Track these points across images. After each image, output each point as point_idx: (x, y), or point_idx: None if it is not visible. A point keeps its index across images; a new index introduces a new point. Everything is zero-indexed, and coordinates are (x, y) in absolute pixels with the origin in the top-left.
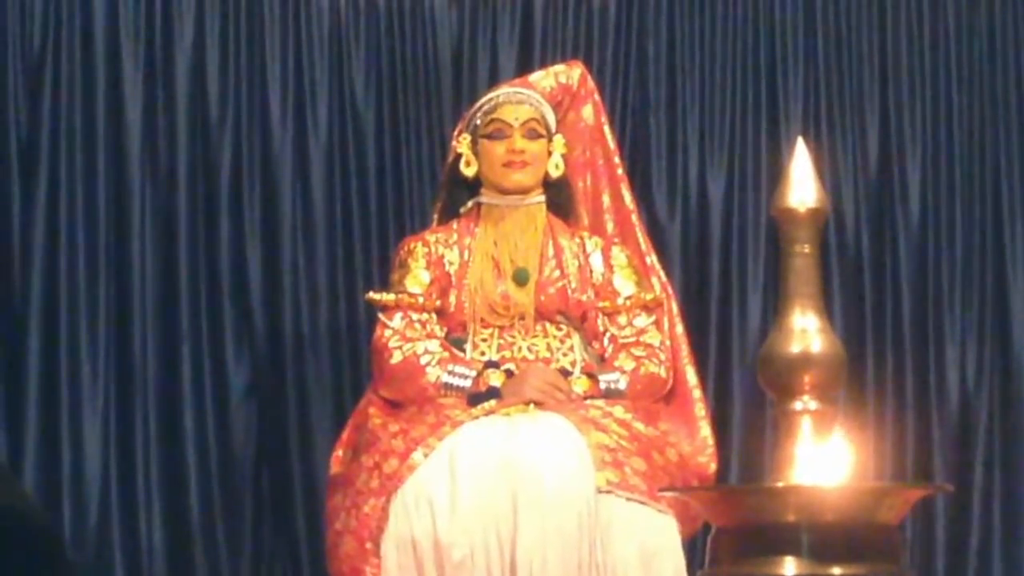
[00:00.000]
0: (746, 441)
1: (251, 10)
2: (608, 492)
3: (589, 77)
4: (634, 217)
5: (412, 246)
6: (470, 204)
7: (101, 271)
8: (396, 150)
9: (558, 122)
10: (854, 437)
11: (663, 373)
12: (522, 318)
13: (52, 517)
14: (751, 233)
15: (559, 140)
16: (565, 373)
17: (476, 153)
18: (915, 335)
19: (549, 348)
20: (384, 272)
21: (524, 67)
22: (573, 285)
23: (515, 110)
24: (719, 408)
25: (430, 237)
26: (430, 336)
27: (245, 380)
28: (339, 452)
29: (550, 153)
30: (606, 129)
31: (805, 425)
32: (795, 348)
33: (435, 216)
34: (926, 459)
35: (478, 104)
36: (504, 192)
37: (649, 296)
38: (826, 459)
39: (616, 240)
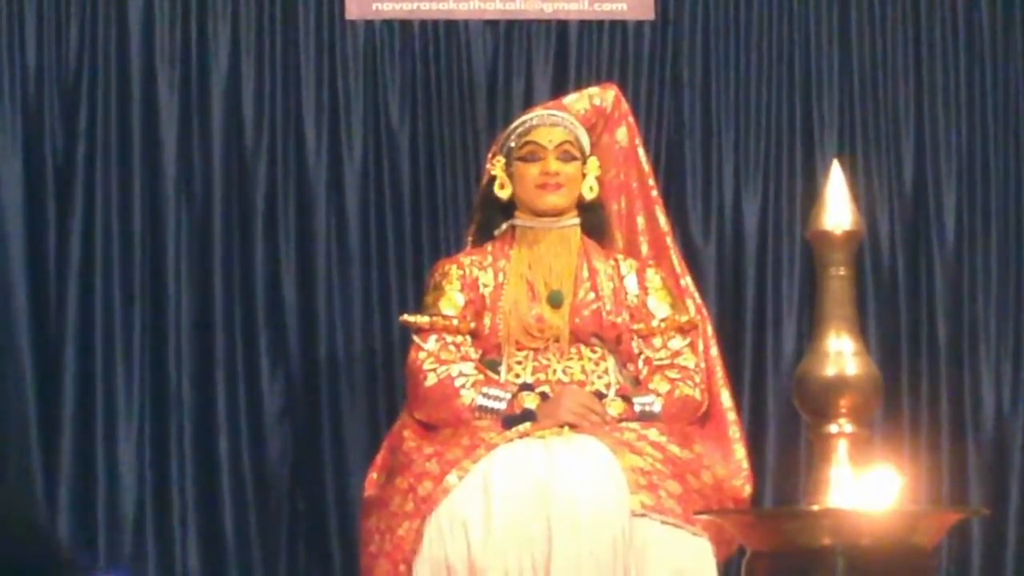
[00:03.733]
0: (781, 464)
1: (286, 33)
2: (643, 515)
3: (623, 99)
4: (668, 239)
5: (446, 268)
6: (504, 226)
7: (136, 294)
8: (431, 172)
9: (592, 144)
10: (897, 463)
11: (698, 395)
12: (557, 340)
13: (72, 538)
14: (786, 255)
15: (593, 162)
16: (600, 396)
17: (510, 175)
18: (950, 357)
19: (584, 370)
20: (418, 294)
21: (558, 89)
22: (608, 307)
23: (549, 132)
24: (754, 431)
25: (464, 259)
26: (464, 359)
27: (280, 402)
28: (373, 474)
29: (584, 175)
30: (640, 151)
31: (841, 448)
32: (831, 371)
33: (469, 238)
34: (961, 482)
35: (512, 126)
36: (538, 214)
37: (684, 318)
38: (873, 485)
39: (651, 262)
